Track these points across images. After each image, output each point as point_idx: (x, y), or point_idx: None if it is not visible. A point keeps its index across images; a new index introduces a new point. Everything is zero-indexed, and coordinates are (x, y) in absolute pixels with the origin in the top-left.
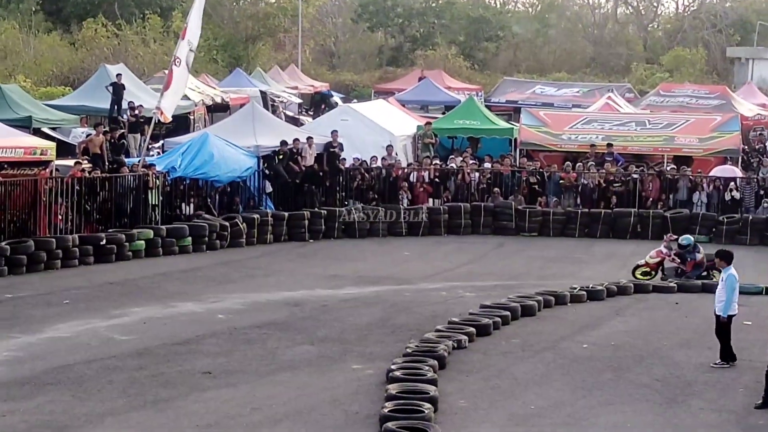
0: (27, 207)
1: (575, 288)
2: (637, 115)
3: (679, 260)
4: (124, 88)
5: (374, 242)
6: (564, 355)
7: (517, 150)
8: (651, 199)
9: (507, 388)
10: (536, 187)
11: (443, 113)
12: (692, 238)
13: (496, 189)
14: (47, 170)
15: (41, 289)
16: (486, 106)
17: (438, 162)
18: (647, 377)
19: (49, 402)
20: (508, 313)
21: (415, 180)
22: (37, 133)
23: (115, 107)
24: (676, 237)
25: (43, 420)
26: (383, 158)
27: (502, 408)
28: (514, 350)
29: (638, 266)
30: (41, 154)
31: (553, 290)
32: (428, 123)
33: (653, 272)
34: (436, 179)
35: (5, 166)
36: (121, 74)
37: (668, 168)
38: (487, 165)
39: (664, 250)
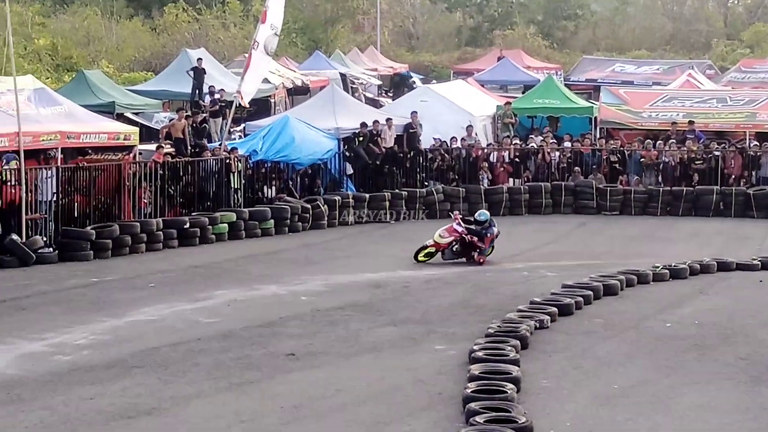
0: (111, 192)
1: (658, 267)
2: (718, 91)
3: (476, 237)
4: (205, 73)
5: None
6: (647, 334)
7: (598, 129)
8: (733, 176)
9: (590, 367)
10: (617, 165)
11: (522, 93)
12: (488, 213)
13: (576, 168)
14: (131, 155)
15: (126, 273)
16: (565, 85)
17: (518, 142)
18: (732, 356)
19: (135, 385)
20: (590, 292)
21: (495, 160)
22: (120, 118)
23: (196, 91)
24: (461, 215)
25: (130, 403)
26: (463, 139)
27: (586, 388)
28: (597, 330)
29: (424, 247)
30: (125, 139)
31: (636, 269)
32: (508, 103)
33: (438, 252)
34: (516, 159)
35: (89, 151)
36: (201, 59)
37: (750, 145)
38: (567, 144)
39: (459, 228)
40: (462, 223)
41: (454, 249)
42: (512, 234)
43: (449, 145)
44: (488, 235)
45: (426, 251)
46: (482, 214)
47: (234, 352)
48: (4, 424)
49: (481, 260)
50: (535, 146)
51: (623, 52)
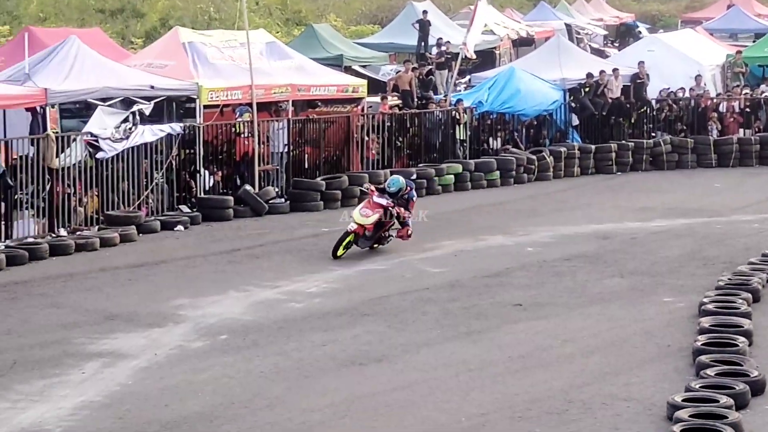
0: (340, 144)
1: None
2: None
3: (402, 209)
4: (430, 25)
5: (683, 174)
6: None
7: None
8: None
9: None
10: None
11: (753, 41)
12: (401, 178)
13: None
14: (359, 107)
15: None
16: None
17: (748, 91)
18: None
19: (366, 332)
20: None
21: (724, 110)
22: (348, 71)
23: (422, 44)
24: (374, 187)
25: (361, 350)
26: (691, 89)
27: None
28: None
29: (344, 238)
30: (353, 92)
31: None
32: (738, 52)
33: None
34: (747, 109)
35: (319, 103)
36: (427, 11)
37: None
38: None
39: (383, 201)
40: (381, 195)
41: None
42: (743, 185)
43: (677, 95)
44: (412, 200)
45: (347, 241)
46: (394, 182)
47: (461, 301)
48: (241, 369)
49: (409, 232)
50: (767, 96)
51: None
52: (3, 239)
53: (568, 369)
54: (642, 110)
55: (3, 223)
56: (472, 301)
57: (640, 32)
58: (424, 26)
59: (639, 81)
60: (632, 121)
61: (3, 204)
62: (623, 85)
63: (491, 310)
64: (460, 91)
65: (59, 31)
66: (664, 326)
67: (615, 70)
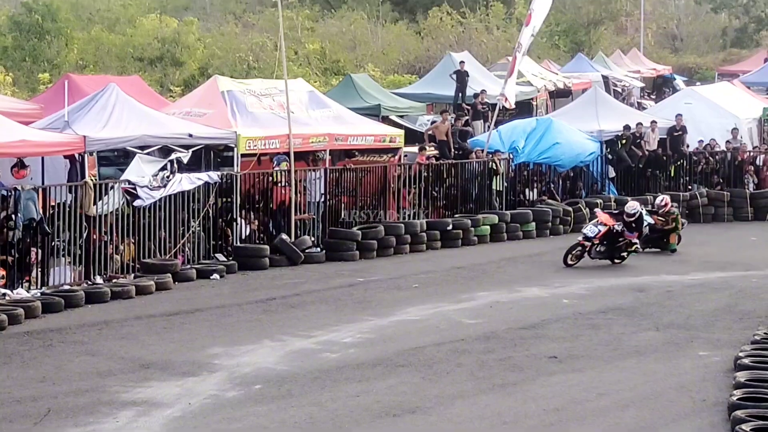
0: (377, 193)
1: None
2: None
3: (626, 229)
4: (468, 75)
5: (719, 227)
6: None
7: None
8: None
9: None
10: None
11: None
12: (637, 205)
13: None
14: (396, 157)
15: (391, 273)
16: None
17: None
18: None
19: (400, 383)
20: None
21: (761, 163)
22: (386, 120)
23: (459, 94)
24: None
25: (395, 401)
26: (728, 141)
27: None
28: None
29: (574, 248)
30: (390, 142)
31: None
32: None
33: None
34: None
35: (356, 153)
36: (464, 62)
37: None
38: None
39: (611, 220)
40: (612, 216)
41: (598, 249)
42: None
43: (711, 147)
44: (641, 228)
45: (576, 251)
46: (633, 207)
47: (496, 353)
48: (276, 419)
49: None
50: None
51: None
52: (39, 286)
53: (602, 423)
54: (679, 163)
55: (40, 270)
56: (507, 353)
57: (676, 84)
58: (461, 76)
59: (677, 133)
60: (669, 173)
61: (40, 251)
62: (660, 138)
63: (526, 363)
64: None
65: (99, 79)
66: (699, 380)
67: (653, 122)
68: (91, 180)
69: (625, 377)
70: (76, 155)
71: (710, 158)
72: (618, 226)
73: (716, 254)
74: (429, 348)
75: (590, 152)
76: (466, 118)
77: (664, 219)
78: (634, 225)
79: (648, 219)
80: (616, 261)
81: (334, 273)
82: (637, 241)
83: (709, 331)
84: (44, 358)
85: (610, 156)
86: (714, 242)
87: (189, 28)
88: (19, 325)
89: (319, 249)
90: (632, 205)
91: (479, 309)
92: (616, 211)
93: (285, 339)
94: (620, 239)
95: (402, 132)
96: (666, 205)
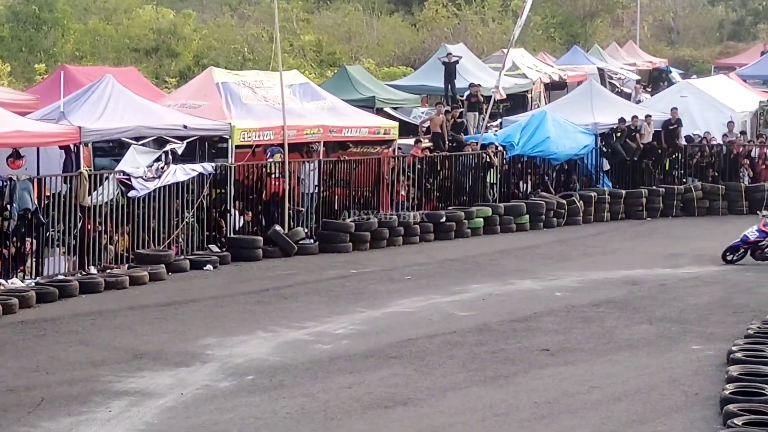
0: (371, 185)
1: None
2: None
3: None
4: (457, 63)
5: (714, 220)
6: None
7: None
8: None
9: None
10: None
11: None
12: None
13: None
14: (390, 149)
15: (384, 265)
16: None
17: None
18: None
19: (392, 375)
20: None
21: (756, 157)
22: (380, 112)
23: (448, 86)
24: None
25: (387, 392)
26: (723, 135)
27: None
28: None
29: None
30: (384, 134)
31: None
32: None
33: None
34: None
35: (350, 145)
36: (451, 53)
37: None
38: None
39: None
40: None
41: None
42: None
43: (706, 141)
44: None
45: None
46: None
47: (489, 345)
48: (267, 410)
49: None
50: None
51: None
52: (33, 276)
53: (594, 416)
54: (673, 156)
55: (34, 260)
56: (500, 345)
57: (673, 77)
58: (449, 68)
59: (672, 126)
60: (664, 166)
61: (34, 241)
62: (655, 131)
63: (518, 355)
64: (495, 132)
65: (95, 70)
66: (691, 374)
67: (648, 115)
68: (86, 170)
69: (618, 370)
70: (72, 146)
71: (705, 151)
72: None
73: (710, 248)
74: (421, 340)
75: (585, 145)
76: (461, 110)
77: None
78: None
79: None
80: None
81: (328, 264)
82: None
83: (702, 325)
84: (38, 347)
85: (604, 149)
86: (708, 236)
87: (186, 20)
88: (13, 315)
89: (312, 240)
90: None
91: (472, 301)
92: None
93: (278, 330)
94: None
95: (396, 124)
96: None
